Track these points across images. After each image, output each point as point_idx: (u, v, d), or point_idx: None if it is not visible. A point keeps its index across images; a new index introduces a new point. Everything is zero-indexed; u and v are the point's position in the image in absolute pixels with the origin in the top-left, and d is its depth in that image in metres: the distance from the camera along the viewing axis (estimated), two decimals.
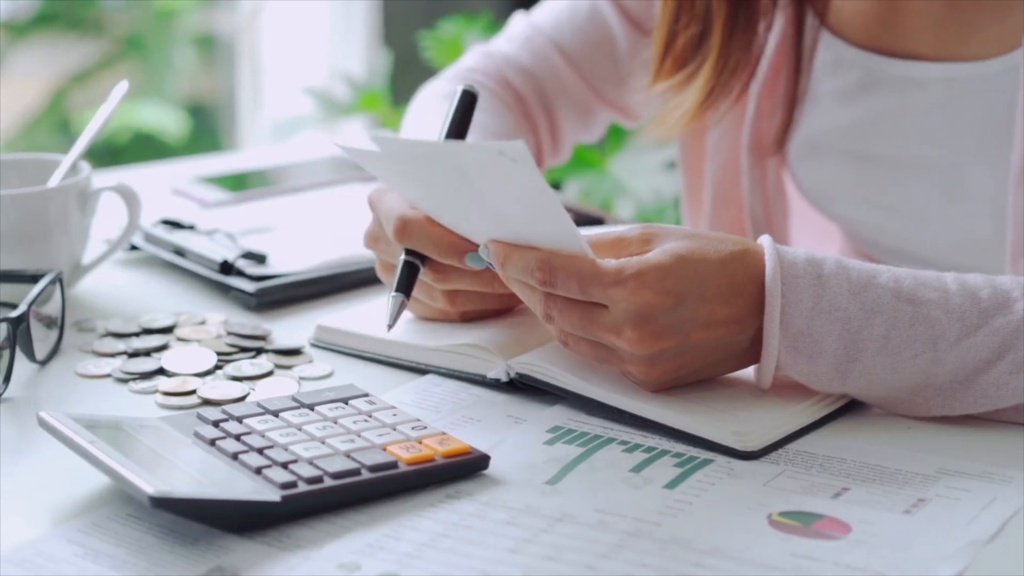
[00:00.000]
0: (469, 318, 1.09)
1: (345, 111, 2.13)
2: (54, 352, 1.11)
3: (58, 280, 1.12)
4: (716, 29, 1.20)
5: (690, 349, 0.95)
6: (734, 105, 1.24)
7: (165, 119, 3.71)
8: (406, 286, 1.04)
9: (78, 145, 1.24)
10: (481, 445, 0.94)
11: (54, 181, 1.22)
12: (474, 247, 1.01)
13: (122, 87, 1.26)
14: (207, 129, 3.77)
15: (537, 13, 1.39)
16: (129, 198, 1.22)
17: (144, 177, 1.55)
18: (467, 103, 1.08)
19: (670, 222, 1.65)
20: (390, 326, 1.02)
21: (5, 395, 1.04)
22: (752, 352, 0.97)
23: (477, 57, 1.39)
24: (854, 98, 1.23)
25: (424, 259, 1.04)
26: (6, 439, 1.00)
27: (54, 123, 3.88)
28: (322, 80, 2.75)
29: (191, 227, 1.30)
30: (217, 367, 1.08)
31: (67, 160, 1.23)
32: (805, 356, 0.96)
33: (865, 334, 0.95)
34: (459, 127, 1.08)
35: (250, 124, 3.22)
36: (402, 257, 1.04)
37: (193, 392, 1.04)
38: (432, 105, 1.33)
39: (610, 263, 0.94)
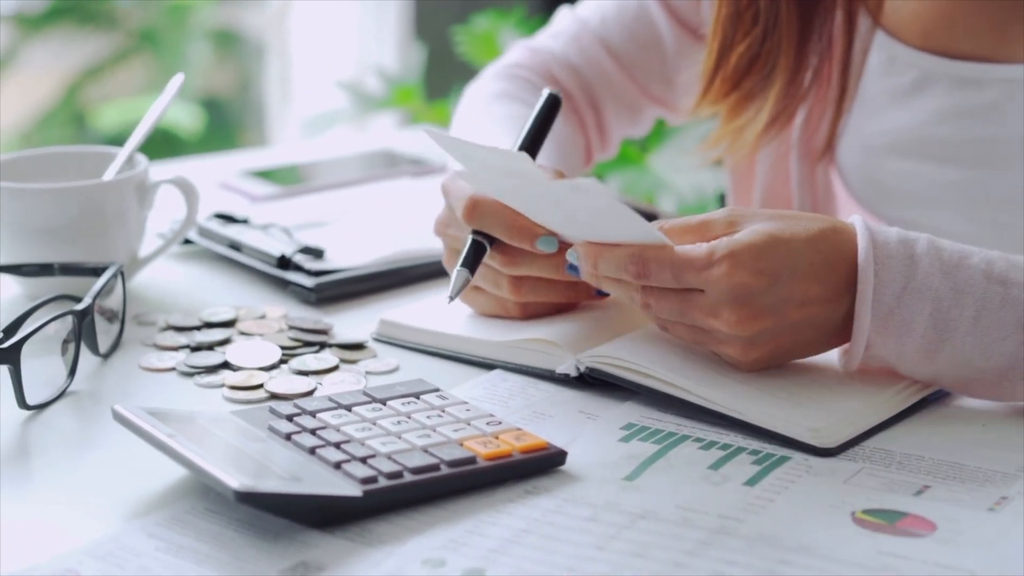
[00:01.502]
0: (530, 314, 1.08)
1: (379, 106, 2.12)
2: (116, 345, 1.11)
3: (120, 273, 1.11)
4: (787, 39, 1.19)
5: (787, 329, 0.96)
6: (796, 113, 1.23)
7: (180, 114, 3.70)
8: (472, 262, 1.04)
9: (134, 137, 1.23)
10: (555, 441, 0.93)
11: (110, 174, 1.22)
12: (545, 232, 1.02)
13: (178, 79, 1.26)
14: (222, 124, 3.77)
15: (583, 9, 1.38)
16: (187, 191, 1.22)
17: (184, 172, 1.54)
18: (549, 108, 1.10)
19: None
20: (451, 298, 1.03)
21: (70, 388, 1.04)
22: (843, 332, 0.97)
23: (522, 53, 1.38)
24: (909, 99, 1.22)
25: (493, 243, 1.04)
26: (73, 432, 0.99)
27: (68, 117, 3.88)
28: (351, 75, 2.75)
29: (245, 221, 1.29)
30: (282, 361, 1.07)
31: (123, 153, 1.23)
32: (895, 336, 0.96)
33: (955, 314, 0.95)
34: (539, 132, 1.09)
35: (279, 120, 3.22)
36: (470, 236, 1.04)
37: (260, 386, 1.03)
38: (482, 108, 1.31)
39: (700, 247, 0.95)
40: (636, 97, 1.36)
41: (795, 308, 0.95)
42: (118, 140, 3.64)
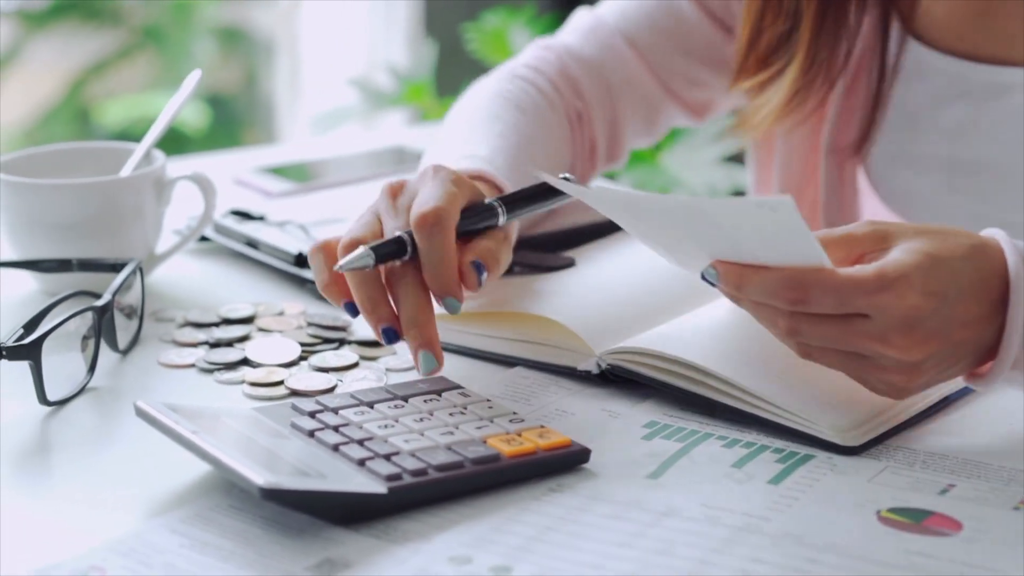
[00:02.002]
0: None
1: (389, 103, 2.12)
2: (134, 342, 1.10)
3: (138, 269, 1.11)
4: (805, 26, 1.18)
5: (950, 352, 0.92)
6: (817, 107, 1.22)
7: (185, 111, 3.69)
8: (383, 256, 0.97)
9: (151, 133, 1.23)
10: (577, 439, 0.93)
11: (127, 170, 1.21)
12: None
13: (195, 75, 1.25)
14: (227, 122, 3.77)
15: (602, 6, 1.35)
16: (205, 187, 1.22)
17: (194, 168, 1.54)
18: (544, 188, 1.04)
19: None
20: (340, 267, 0.96)
21: (90, 384, 1.03)
22: (992, 351, 0.93)
23: (536, 52, 1.34)
24: (940, 104, 1.21)
25: (409, 256, 0.98)
26: (94, 429, 0.99)
27: (72, 114, 3.87)
28: (361, 73, 2.74)
29: (261, 218, 1.29)
30: (301, 358, 1.07)
31: (140, 148, 1.23)
32: None
33: None
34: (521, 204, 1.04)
35: (288, 117, 3.21)
36: (402, 233, 0.98)
37: (281, 383, 1.03)
38: (469, 108, 1.26)
39: (866, 270, 0.90)
40: (656, 95, 1.33)
41: (958, 329, 0.91)
42: (123, 137, 3.64)
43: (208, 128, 3.67)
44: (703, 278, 0.94)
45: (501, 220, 1.01)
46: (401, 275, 0.98)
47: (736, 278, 0.92)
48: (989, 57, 1.19)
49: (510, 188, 1.06)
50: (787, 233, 0.89)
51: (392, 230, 0.99)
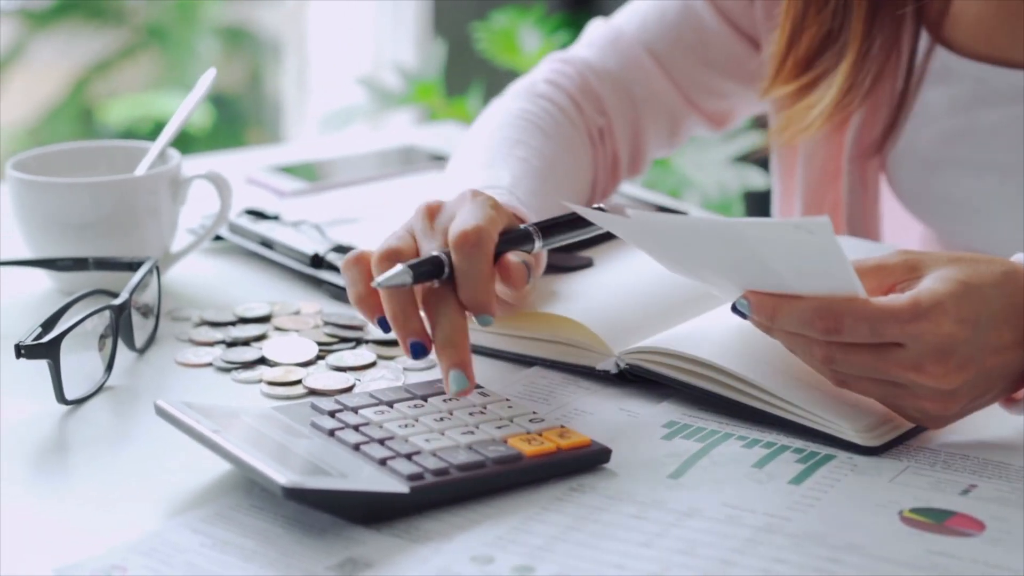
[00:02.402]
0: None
1: (398, 102, 2.12)
2: (151, 341, 1.10)
3: (155, 268, 1.11)
4: (857, 21, 1.17)
5: (983, 378, 0.92)
6: (860, 106, 1.21)
7: None
8: (422, 275, 0.96)
9: (166, 132, 1.23)
10: (597, 439, 0.93)
11: (142, 168, 1.21)
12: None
13: (210, 74, 1.25)
14: (230, 121, 3.77)
15: (618, 17, 1.33)
16: (221, 186, 1.21)
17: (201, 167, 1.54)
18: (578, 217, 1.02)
19: (736, 215, 1.63)
20: (378, 284, 0.95)
21: (107, 383, 1.03)
22: (1022, 378, 0.94)
23: (554, 66, 1.31)
24: (965, 108, 1.20)
25: (446, 277, 0.97)
26: (111, 428, 0.99)
27: (75, 113, 3.87)
28: (368, 72, 2.74)
29: (276, 217, 1.29)
30: (318, 357, 1.07)
31: (155, 147, 1.23)
32: None
33: None
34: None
35: (295, 116, 3.21)
36: (440, 252, 0.97)
37: (299, 382, 1.03)
38: (490, 129, 1.24)
39: (900, 299, 0.90)
40: (678, 106, 1.31)
41: (991, 355, 0.91)
42: (126, 136, 3.64)
43: (211, 127, 3.67)
44: (734, 310, 0.95)
45: (536, 246, 1.01)
46: (439, 296, 0.97)
47: (770, 308, 0.92)
48: (1018, 61, 1.18)
49: (532, 218, 1.05)
50: (822, 256, 0.89)
51: (428, 250, 0.98)
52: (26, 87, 3.80)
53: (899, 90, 1.22)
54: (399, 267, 0.95)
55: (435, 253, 0.97)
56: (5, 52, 3.70)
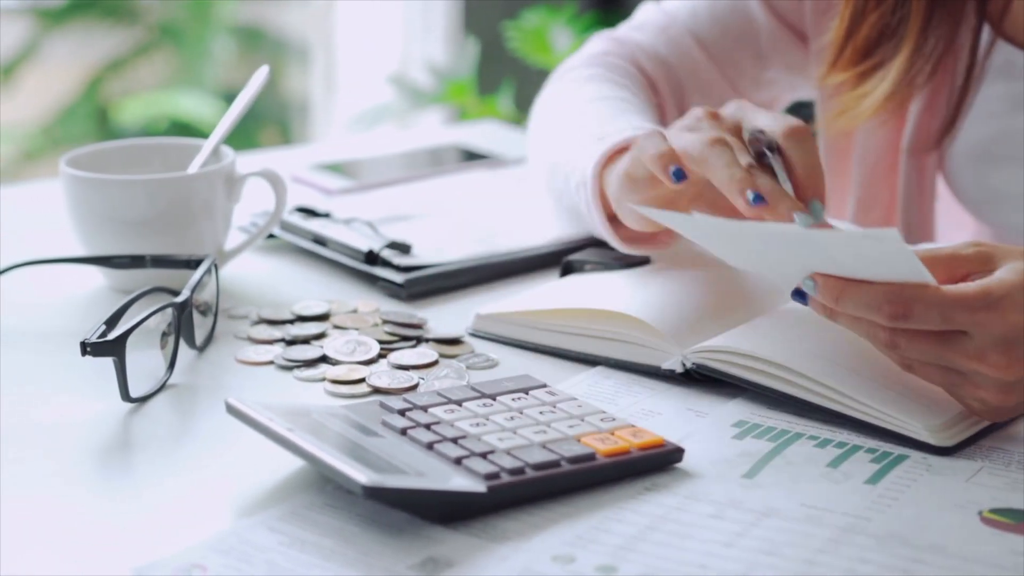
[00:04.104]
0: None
1: (430, 101, 2.11)
2: (209, 339, 1.10)
3: (213, 266, 1.10)
4: (916, 12, 1.17)
5: None
6: (914, 98, 1.22)
7: (203, 108, 3.69)
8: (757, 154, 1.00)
9: (219, 129, 1.22)
10: (667, 438, 0.92)
11: (195, 166, 1.21)
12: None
13: (263, 72, 1.25)
14: (243, 120, 3.76)
15: (669, 4, 1.34)
16: (276, 184, 1.21)
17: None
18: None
19: None
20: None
21: (169, 381, 1.03)
22: None
23: (606, 43, 1.34)
24: None
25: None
26: (176, 426, 0.99)
27: (89, 111, 3.87)
28: (396, 71, 2.74)
29: (327, 215, 1.28)
30: (380, 355, 1.07)
31: (208, 144, 1.22)
32: None
33: None
34: None
35: (322, 115, 3.20)
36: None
37: (362, 380, 1.02)
38: (571, 90, 1.26)
39: (970, 287, 0.90)
40: (724, 93, 1.32)
41: None
42: (141, 134, 3.64)
43: None
44: (795, 294, 0.95)
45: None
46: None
47: (836, 290, 0.92)
48: None
49: None
50: (892, 257, 0.89)
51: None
52: (40, 85, 3.79)
53: (959, 84, 1.21)
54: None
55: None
56: (19, 50, 3.70)
